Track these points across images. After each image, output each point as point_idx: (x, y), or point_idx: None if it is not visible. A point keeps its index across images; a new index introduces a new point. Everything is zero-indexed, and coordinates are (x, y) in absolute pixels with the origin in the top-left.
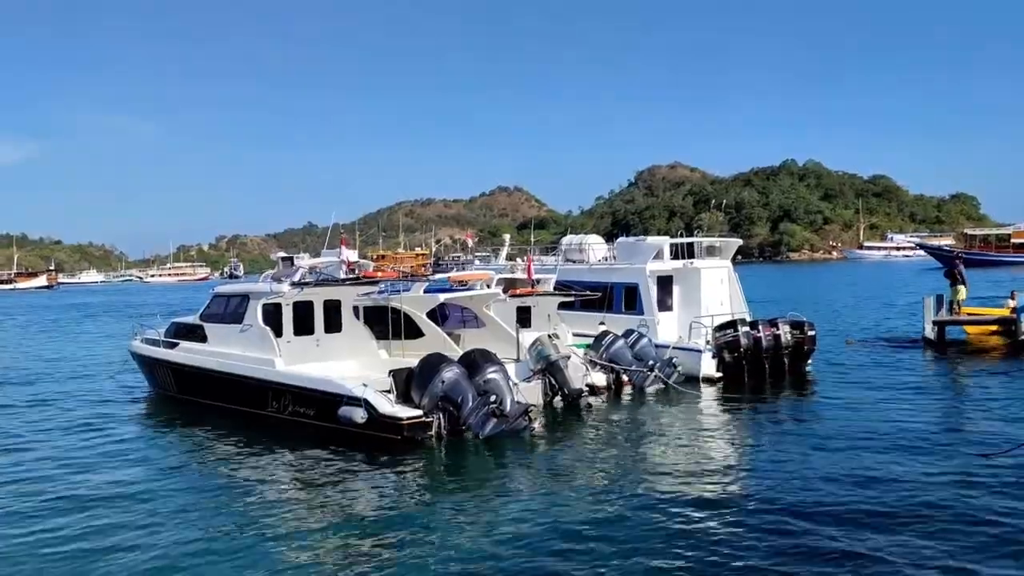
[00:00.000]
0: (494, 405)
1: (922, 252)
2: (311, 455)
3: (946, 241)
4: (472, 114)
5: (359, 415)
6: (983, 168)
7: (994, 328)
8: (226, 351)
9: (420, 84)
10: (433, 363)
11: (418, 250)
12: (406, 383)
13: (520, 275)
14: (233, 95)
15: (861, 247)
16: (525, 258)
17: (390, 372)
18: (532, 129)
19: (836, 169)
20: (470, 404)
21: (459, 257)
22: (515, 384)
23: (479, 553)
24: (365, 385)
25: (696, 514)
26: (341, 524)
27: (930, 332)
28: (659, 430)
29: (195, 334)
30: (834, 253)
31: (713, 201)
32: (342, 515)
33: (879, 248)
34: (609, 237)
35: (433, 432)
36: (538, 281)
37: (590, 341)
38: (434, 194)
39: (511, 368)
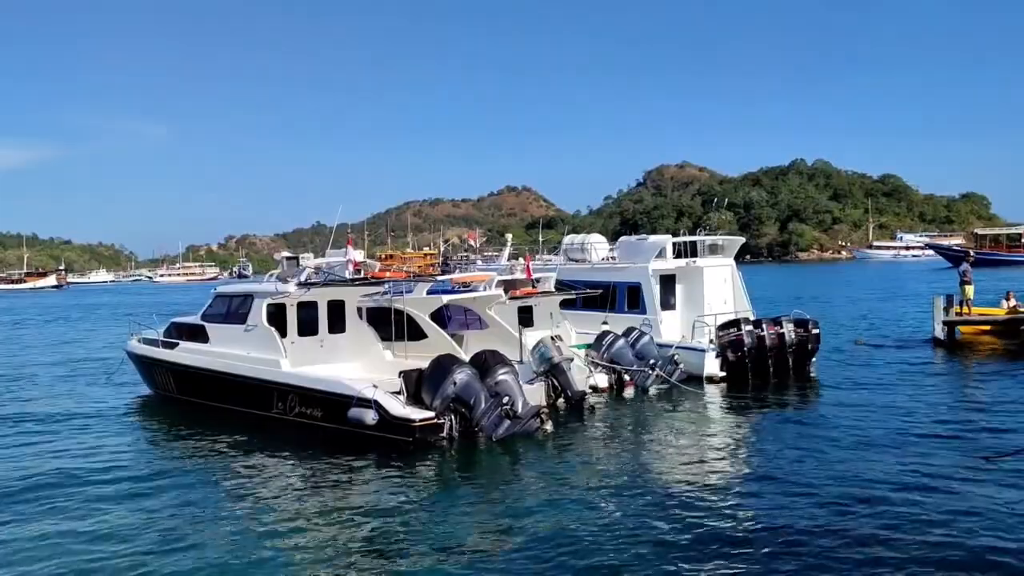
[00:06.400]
0: (507, 406)
1: (931, 252)
2: (320, 457)
3: (956, 241)
4: (481, 114)
5: (370, 416)
6: (993, 168)
7: (989, 328)
8: (229, 351)
9: (428, 84)
10: (444, 364)
11: (426, 250)
12: (416, 384)
13: (519, 275)
14: (242, 97)
15: (870, 247)
16: (524, 258)
17: (400, 373)
18: (540, 129)
19: (845, 169)
20: (482, 405)
21: (467, 257)
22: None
23: (491, 554)
24: (375, 386)
25: (701, 514)
26: (352, 526)
27: (940, 332)
28: (664, 431)
29: (196, 334)
30: (843, 253)
31: (716, 200)
32: (354, 517)
33: (888, 248)
34: (617, 237)
35: (445, 434)
36: (537, 280)
37: (591, 341)
38: (443, 194)
39: None
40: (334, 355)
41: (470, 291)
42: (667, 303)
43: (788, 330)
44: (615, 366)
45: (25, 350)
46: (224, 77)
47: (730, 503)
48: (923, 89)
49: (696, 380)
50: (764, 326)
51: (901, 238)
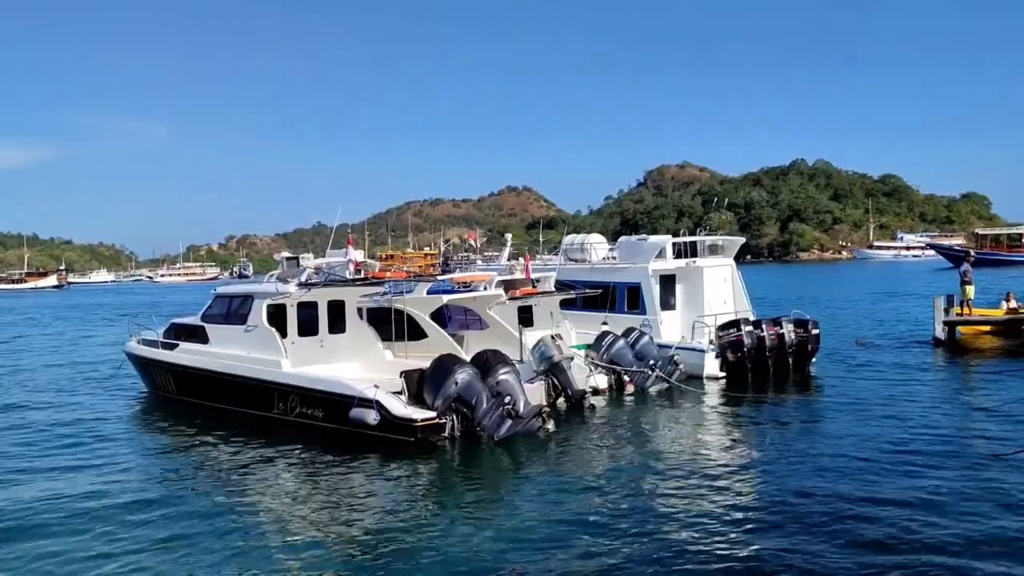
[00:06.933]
0: (509, 406)
1: (932, 252)
2: (321, 457)
3: (957, 241)
4: (481, 114)
5: (371, 417)
6: (994, 168)
7: (989, 328)
8: (229, 352)
9: (428, 84)
10: (446, 364)
11: (427, 250)
12: (418, 384)
13: (519, 275)
14: (242, 97)
15: (871, 247)
16: (523, 258)
17: (401, 373)
18: (540, 129)
19: (846, 169)
20: (484, 405)
21: (467, 257)
22: None
23: (493, 554)
24: (377, 386)
25: (701, 515)
26: (354, 526)
27: (940, 332)
28: (664, 432)
29: (196, 335)
30: (844, 253)
31: (716, 200)
32: (355, 518)
33: (889, 248)
34: (618, 237)
35: (447, 434)
36: (537, 280)
37: (591, 341)
38: (443, 194)
39: None
40: (334, 355)
41: (470, 291)
42: (667, 303)
43: (788, 330)
44: (615, 367)
45: (25, 351)
46: (224, 77)
47: (730, 503)
48: (923, 89)
49: (696, 380)
50: (764, 326)
51: (902, 238)
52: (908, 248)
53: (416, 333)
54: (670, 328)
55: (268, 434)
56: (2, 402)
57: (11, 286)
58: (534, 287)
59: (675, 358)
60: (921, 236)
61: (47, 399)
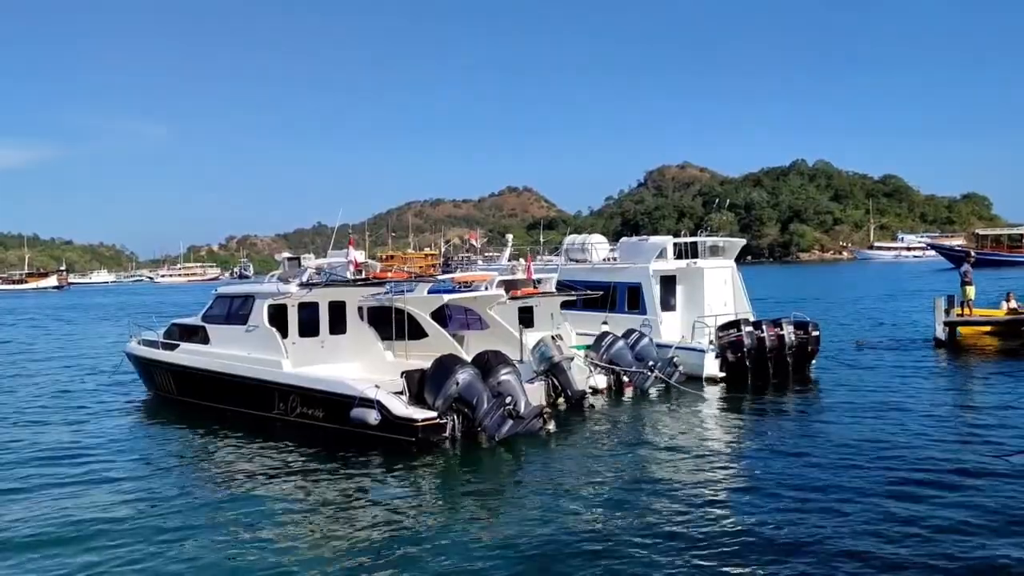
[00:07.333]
0: (509, 406)
1: (933, 252)
2: (321, 457)
3: (957, 241)
4: (481, 114)
5: (372, 417)
6: (994, 168)
7: (989, 328)
8: (230, 352)
9: (428, 84)
10: (447, 364)
11: (427, 250)
12: (419, 384)
13: (520, 275)
14: (242, 97)
15: (871, 247)
16: (525, 258)
17: (402, 373)
18: (540, 129)
19: (846, 169)
20: (485, 405)
21: (468, 257)
22: None
23: (494, 554)
24: (377, 386)
25: (700, 515)
26: (354, 527)
27: (941, 333)
28: (663, 432)
29: (196, 335)
30: (844, 253)
31: (717, 201)
32: (355, 518)
33: (889, 248)
34: (618, 237)
35: (447, 434)
36: (539, 281)
37: (591, 341)
38: (444, 194)
39: None
40: (335, 355)
41: (471, 291)
42: (667, 304)
43: (788, 332)
44: (614, 367)
45: (25, 352)
46: (224, 77)
47: (730, 504)
48: (923, 89)
49: (696, 381)
50: (764, 327)
51: (902, 239)
52: (909, 249)
53: (417, 333)
54: (670, 328)
55: (268, 434)
56: (1, 403)
57: (12, 286)
58: (535, 287)
59: (674, 359)
60: (922, 237)
61: (47, 400)
